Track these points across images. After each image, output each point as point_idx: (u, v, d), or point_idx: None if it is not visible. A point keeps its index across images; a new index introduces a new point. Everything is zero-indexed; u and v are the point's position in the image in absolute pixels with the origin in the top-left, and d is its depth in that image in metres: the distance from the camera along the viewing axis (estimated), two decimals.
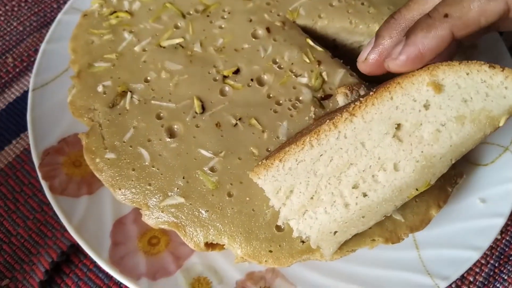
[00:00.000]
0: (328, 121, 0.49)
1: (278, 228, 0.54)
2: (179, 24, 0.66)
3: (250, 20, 0.65)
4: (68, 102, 0.62)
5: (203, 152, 0.57)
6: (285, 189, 0.50)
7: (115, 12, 0.67)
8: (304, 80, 0.61)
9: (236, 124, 0.58)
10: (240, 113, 0.59)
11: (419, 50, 0.47)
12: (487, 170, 0.67)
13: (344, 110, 0.50)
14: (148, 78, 0.62)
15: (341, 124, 0.49)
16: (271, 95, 0.60)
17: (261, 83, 0.62)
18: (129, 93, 0.60)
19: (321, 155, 0.49)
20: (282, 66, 0.62)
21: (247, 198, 0.55)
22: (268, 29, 0.65)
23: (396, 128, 0.48)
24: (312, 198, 0.50)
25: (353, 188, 0.48)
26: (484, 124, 0.46)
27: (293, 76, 0.61)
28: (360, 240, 0.54)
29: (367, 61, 0.53)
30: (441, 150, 0.47)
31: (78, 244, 0.61)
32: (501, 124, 0.46)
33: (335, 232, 0.50)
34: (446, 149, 0.47)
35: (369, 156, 0.48)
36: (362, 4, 0.68)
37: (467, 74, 0.46)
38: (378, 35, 0.52)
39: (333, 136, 0.49)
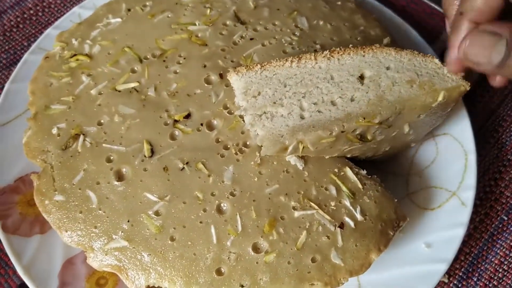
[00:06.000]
0: (311, 53, 0.62)
1: (219, 272, 0.55)
2: (135, 68, 0.68)
3: (205, 66, 0.68)
4: (23, 144, 0.64)
5: (149, 195, 0.58)
6: (254, 90, 0.60)
7: (75, 55, 0.70)
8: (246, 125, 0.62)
9: (183, 168, 0.60)
10: (188, 157, 0.61)
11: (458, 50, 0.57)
12: (434, 214, 0.68)
13: (327, 50, 0.63)
14: (102, 121, 0.64)
15: (320, 58, 0.62)
16: (219, 140, 0.62)
17: (210, 127, 0.63)
18: (81, 136, 0.62)
19: (295, 75, 0.61)
20: (232, 112, 0.64)
21: (189, 243, 0.56)
22: (221, 75, 0.67)
23: (360, 75, 0.61)
24: (275, 103, 0.59)
25: (312, 103, 0.59)
26: (427, 92, 0.60)
27: (242, 121, 0.63)
28: (298, 285, 0.56)
29: (449, 64, 0.61)
30: (390, 98, 0.59)
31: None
32: (440, 98, 0.60)
33: (282, 135, 0.57)
34: (394, 98, 0.59)
35: (334, 85, 0.60)
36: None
37: (423, 61, 0.62)
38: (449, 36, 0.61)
39: (310, 64, 0.61)
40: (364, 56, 0.62)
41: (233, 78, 0.61)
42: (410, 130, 0.64)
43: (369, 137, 0.61)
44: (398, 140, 0.67)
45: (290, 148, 0.58)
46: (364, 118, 0.58)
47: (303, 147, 0.59)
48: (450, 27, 0.62)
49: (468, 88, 0.61)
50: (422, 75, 0.61)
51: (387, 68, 0.61)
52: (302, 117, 0.58)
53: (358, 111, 0.58)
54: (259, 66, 0.61)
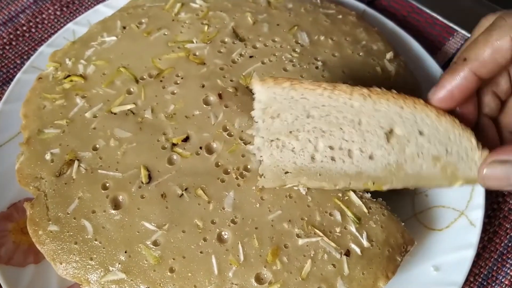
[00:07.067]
0: (349, 84, 0.54)
1: None
2: (131, 89, 0.66)
3: (203, 86, 0.66)
4: (16, 170, 0.61)
5: (147, 224, 0.56)
6: (274, 110, 0.54)
7: (69, 75, 0.68)
8: (253, 148, 0.61)
9: (182, 194, 0.58)
10: (187, 182, 0.59)
11: (447, 90, 0.54)
12: (442, 235, 0.66)
13: (367, 87, 0.54)
14: (97, 146, 0.61)
15: (356, 94, 0.53)
16: (219, 164, 0.60)
17: (210, 151, 0.61)
18: (76, 162, 0.60)
19: (323, 105, 0.53)
20: (232, 134, 0.62)
21: (189, 274, 0.54)
22: (220, 95, 0.65)
23: (390, 130, 0.54)
24: (290, 132, 0.54)
25: (328, 147, 0.54)
26: (447, 176, 0.54)
27: (243, 144, 0.61)
28: None
29: (433, 100, 0.56)
30: (409, 171, 0.54)
31: None
32: (456, 185, 0.54)
33: (287, 172, 0.54)
34: (413, 172, 0.54)
35: (358, 133, 0.54)
36: (317, 68, 0.69)
37: (459, 135, 0.53)
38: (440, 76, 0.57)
39: (343, 99, 0.53)
40: (402, 108, 0.53)
41: (257, 88, 0.55)
42: None
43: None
44: None
45: (288, 185, 0.57)
46: (374, 183, 0.55)
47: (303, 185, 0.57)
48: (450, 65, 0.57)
49: None
50: (452, 153, 0.54)
51: (420, 133, 0.54)
52: (312, 158, 0.55)
53: (371, 173, 0.54)
54: (288, 83, 0.54)
